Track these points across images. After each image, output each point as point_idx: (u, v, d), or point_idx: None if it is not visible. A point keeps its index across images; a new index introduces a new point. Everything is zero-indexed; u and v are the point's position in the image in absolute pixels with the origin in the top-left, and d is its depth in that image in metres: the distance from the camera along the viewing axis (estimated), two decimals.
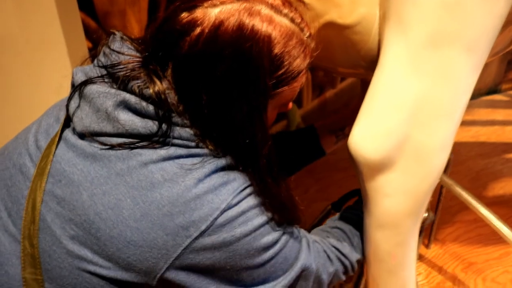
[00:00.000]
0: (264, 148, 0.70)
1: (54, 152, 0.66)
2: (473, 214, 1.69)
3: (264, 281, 0.72)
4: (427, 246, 1.54)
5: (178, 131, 0.66)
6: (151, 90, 0.65)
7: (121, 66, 0.67)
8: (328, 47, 0.82)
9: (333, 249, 0.85)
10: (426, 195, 0.79)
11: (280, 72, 0.68)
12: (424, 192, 0.78)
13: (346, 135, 1.12)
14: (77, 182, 0.64)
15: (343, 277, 0.88)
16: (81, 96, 0.67)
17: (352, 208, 0.98)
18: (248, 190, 0.68)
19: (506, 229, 1.20)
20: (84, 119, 0.65)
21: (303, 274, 0.76)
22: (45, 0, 1.33)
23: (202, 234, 0.63)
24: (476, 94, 2.66)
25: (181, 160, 0.65)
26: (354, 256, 0.88)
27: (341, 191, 1.11)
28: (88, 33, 1.35)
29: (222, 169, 0.68)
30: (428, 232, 1.52)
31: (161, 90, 0.65)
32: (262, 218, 0.69)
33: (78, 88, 0.67)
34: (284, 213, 0.73)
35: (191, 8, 0.65)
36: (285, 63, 0.68)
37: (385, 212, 0.79)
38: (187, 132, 0.67)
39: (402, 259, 0.88)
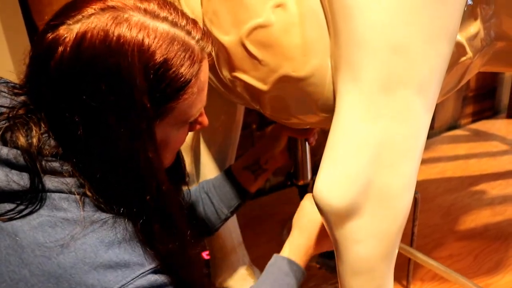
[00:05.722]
0: (153, 189, 0.62)
1: None
2: (448, 249, 1.70)
3: None
4: (406, 287, 1.52)
5: (53, 182, 0.59)
6: (20, 140, 0.58)
7: None
8: (285, 99, 0.83)
9: None
10: (396, 236, 0.79)
11: (162, 86, 0.59)
12: (395, 233, 0.78)
13: (262, 167, 1.09)
14: None
15: None
16: None
17: (270, 265, 0.91)
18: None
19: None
20: None
21: None
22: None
23: None
24: (438, 131, 2.73)
25: (56, 230, 0.58)
26: None
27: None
28: None
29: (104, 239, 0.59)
30: (406, 273, 1.51)
31: (24, 143, 0.58)
32: None
33: None
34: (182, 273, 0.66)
35: (55, 26, 0.57)
36: (167, 74, 0.58)
37: (358, 258, 0.79)
38: (64, 182, 0.60)
39: None
